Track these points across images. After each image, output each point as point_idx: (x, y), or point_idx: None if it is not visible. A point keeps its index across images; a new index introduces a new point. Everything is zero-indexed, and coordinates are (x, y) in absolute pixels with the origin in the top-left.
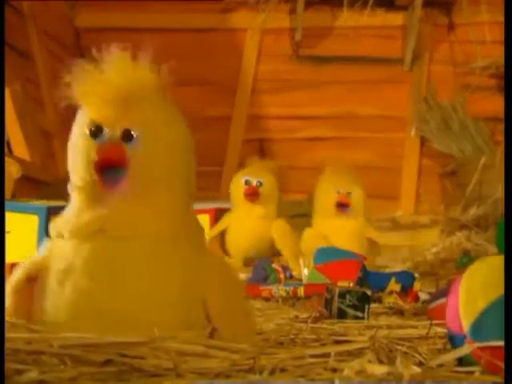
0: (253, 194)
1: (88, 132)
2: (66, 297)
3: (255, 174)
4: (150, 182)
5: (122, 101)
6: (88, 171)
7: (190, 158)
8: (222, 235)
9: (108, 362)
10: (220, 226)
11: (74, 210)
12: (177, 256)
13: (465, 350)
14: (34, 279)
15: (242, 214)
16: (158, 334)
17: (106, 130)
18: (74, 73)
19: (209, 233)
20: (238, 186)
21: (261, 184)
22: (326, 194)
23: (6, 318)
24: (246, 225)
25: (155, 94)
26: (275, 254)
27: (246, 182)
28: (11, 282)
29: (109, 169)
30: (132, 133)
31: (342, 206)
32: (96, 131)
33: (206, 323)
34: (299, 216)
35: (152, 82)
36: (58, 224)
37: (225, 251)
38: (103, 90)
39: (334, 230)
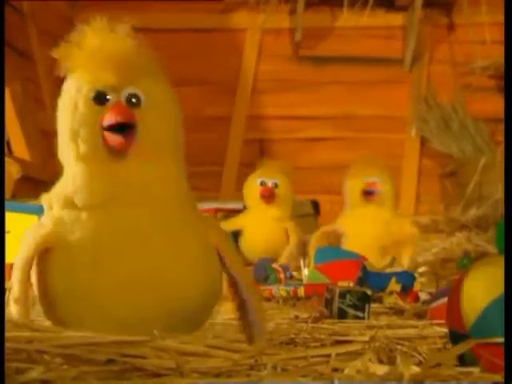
0: (269, 196)
1: (92, 99)
2: (92, 268)
3: (270, 175)
4: (157, 146)
5: (124, 67)
6: (96, 136)
7: (181, 126)
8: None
9: (110, 361)
10: (232, 226)
11: (83, 179)
12: (188, 217)
13: (464, 347)
14: (43, 254)
15: (258, 216)
16: (159, 334)
17: (110, 96)
18: (69, 43)
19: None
20: (253, 187)
21: (276, 185)
22: (353, 184)
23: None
24: (261, 226)
25: (152, 62)
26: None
27: (262, 183)
28: (20, 259)
29: (118, 131)
30: (138, 97)
31: (369, 194)
32: (100, 98)
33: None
34: (300, 216)
35: (148, 50)
36: (64, 194)
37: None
38: (104, 56)
39: (361, 218)
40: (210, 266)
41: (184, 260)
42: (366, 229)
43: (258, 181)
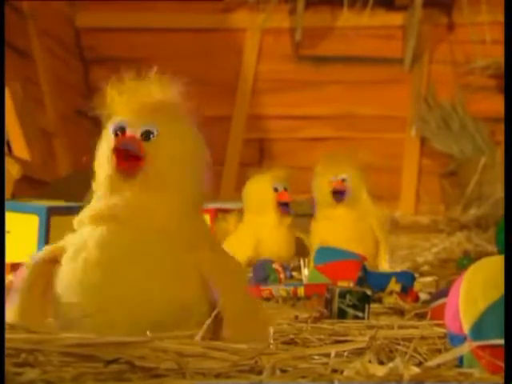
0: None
1: (112, 132)
2: (77, 272)
3: (284, 181)
4: (163, 179)
5: (145, 108)
6: (109, 161)
7: (201, 166)
8: None
9: (109, 362)
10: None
11: (95, 200)
12: (178, 246)
13: (464, 348)
14: (53, 262)
15: (273, 223)
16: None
17: (128, 130)
18: (111, 85)
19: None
20: (267, 192)
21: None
22: (320, 183)
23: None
24: (276, 233)
25: (175, 109)
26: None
27: (276, 189)
28: (31, 260)
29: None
30: (150, 133)
31: (338, 194)
32: (118, 130)
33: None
34: (299, 216)
35: (174, 99)
36: (80, 215)
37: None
38: (131, 99)
39: (330, 225)
40: (183, 290)
41: (155, 281)
42: (335, 236)
43: (272, 187)
